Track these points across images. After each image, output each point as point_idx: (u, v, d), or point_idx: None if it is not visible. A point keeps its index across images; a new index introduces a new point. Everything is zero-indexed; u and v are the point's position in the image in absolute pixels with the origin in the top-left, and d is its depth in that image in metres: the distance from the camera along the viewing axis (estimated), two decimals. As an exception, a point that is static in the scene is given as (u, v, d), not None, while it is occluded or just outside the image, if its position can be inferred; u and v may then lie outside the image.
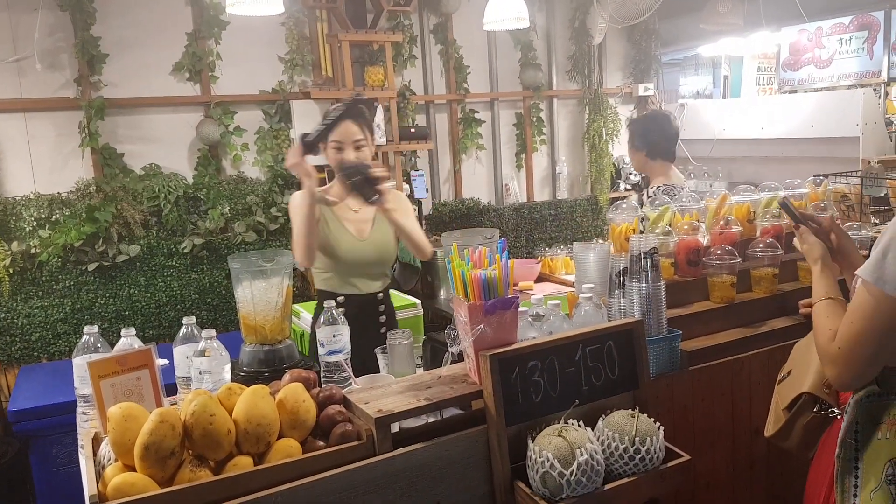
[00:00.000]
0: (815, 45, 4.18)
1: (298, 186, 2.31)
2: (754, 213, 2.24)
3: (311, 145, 2.06)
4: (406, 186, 3.94)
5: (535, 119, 4.55)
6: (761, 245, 2.05)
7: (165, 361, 1.63)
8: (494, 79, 4.42)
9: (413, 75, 4.16)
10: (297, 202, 2.14)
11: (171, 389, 1.66)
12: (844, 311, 1.36)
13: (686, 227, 1.99)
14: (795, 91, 4.30)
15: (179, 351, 1.63)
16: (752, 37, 4.22)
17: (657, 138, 2.98)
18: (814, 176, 2.59)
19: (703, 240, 2.04)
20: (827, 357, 1.30)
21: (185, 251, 3.46)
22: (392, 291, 3.60)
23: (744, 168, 4.42)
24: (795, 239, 1.61)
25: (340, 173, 2.08)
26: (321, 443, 1.34)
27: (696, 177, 4.63)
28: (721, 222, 2.08)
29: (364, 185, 1.97)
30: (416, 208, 4.11)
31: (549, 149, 4.69)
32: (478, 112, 4.38)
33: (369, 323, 2.20)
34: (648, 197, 2.90)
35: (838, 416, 1.43)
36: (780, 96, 4.47)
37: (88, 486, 1.20)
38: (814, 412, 1.51)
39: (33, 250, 3.18)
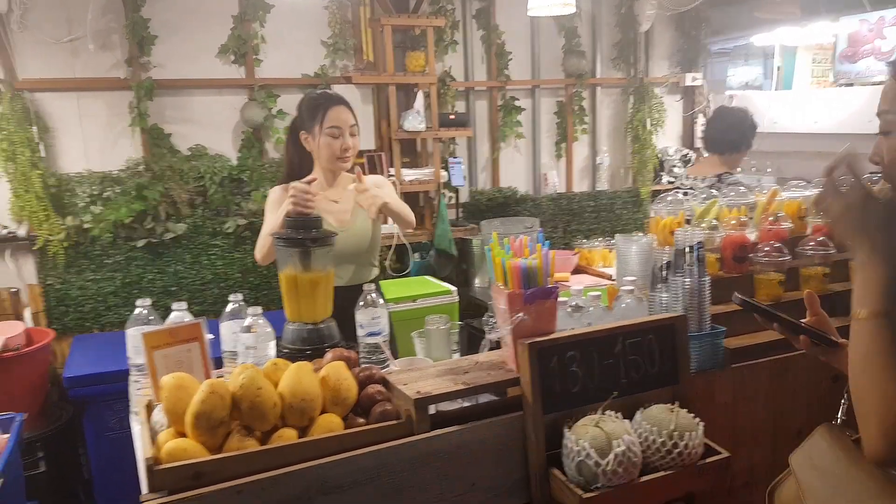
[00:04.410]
0: (876, 35, 4.02)
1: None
2: (806, 209, 2.19)
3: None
4: (443, 173, 3.95)
5: (576, 108, 4.51)
6: (812, 243, 2.01)
7: (211, 336, 1.69)
8: (536, 66, 4.38)
9: (454, 61, 4.15)
10: (276, 198, 2.15)
11: (217, 364, 1.72)
12: None
13: (733, 221, 1.96)
14: (852, 84, 4.15)
15: (226, 326, 1.68)
16: (809, 26, 4.08)
17: (705, 133, 3.19)
18: (869, 174, 2.51)
19: (751, 236, 2.01)
20: (889, 423, 0.87)
21: (229, 231, 3.55)
22: (427, 278, 3.65)
23: (794, 163, 4.30)
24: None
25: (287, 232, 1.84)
26: (361, 420, 1.37)
27: (744, 171, 4.53)
28: (770, 218, 2.05)
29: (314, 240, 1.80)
30: (454, 196, 4.13)
31: (591, 138, 4.65)
32: (518, 99, 4.36)
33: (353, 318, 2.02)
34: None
35: None
36: (835, 89, 4.33)
37: (143, 450, 1.26)
38: None
39: (86, 226, 3.29)
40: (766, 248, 1.92)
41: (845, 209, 0.94)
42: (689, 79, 4.65)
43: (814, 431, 1.07)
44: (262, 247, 2.11)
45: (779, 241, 1.95)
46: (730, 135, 3.05)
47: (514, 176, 4.45)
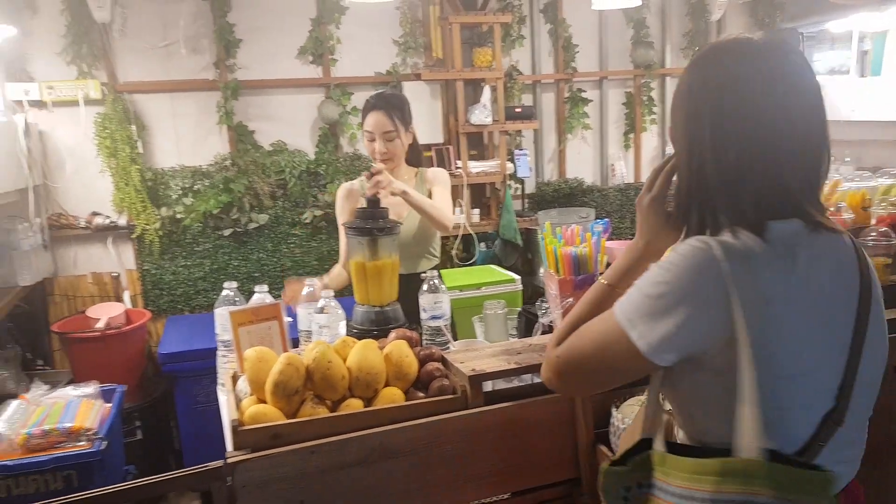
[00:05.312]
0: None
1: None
2: (870, 199, 2.15)
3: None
4: (510, 165, 4.04)
5: (645, 98, 4.48)
6: (874, 234, 1.98)
7: (290, 319, 1.86)
8: (604, 57, 4.39)
9: (521, 55, 4.22)
10: (342, 195, 2.34)
11: (294, 344, 1.89)
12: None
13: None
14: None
15: (302, 308, 1.85)
16: (889, 11, 3.90)
17: None
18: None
19: (809, 226, 2.00)
20: (548, 351, 1.08)
21: (307, 221, 3.78)
22: (492, 267, 3.76)
23: (874, 152, 4.13)
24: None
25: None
26: (421, 394, 1.51)
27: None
28: (831, 209, 2.03)
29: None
30: (519, 187, 4.21)
31: (660, 129, 4.61)
32: (585, 91, 4.38)
33: (413, 302, 1.99)
34: None
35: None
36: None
37: (229, 414, 1.44)
38: None
39: (178, 216, 3.59)
40: (822, 239, 1.92)
41: (651, 203, 1.12)
42: (763, 65, 4.52)
43: None
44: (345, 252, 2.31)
45: (837, 231, 1.94)
46: None
47: (582, 167, 4.48)
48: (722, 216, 0.97)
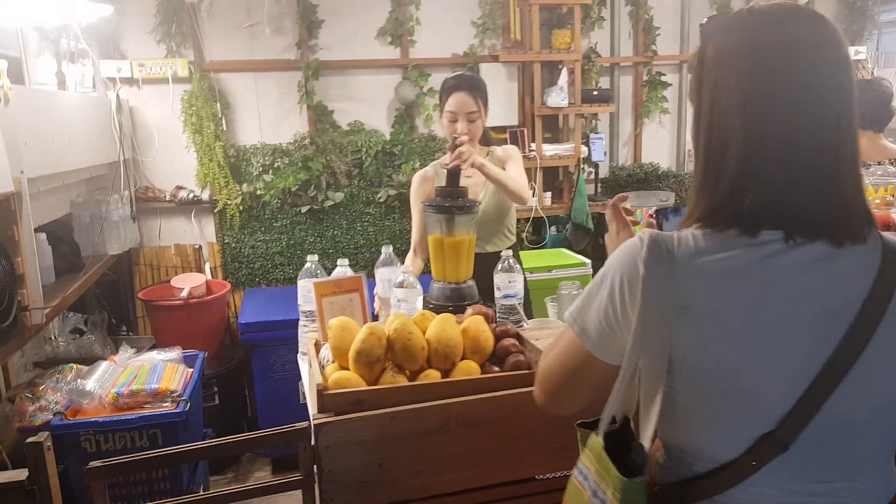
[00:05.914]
0: None
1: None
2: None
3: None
4: (584, 148, 3.98)
5: (728, 83, 4.31)
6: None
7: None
8: (685, 40, 4.25)
9: (600, 37, 4.14)
10: (417, 182, 2.37)
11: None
12: None
13: (878, 201, 1.87)
14: None
15: (380, 273, 1.91)
16: None
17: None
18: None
19: (901, 216, 1.90)
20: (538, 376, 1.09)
21: (381, 200, 3.85)
22: (562, 250, 3.74)
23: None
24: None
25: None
26: (496, 368, 1.53)
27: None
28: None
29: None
30: (592, 171, 4.15)
31: (742, 115, 4.43)
32: (665, 74, 4.25)
33: (488, 281, 2.02)
34: None
35: None
36: None
37: (312, 379, 1.50)
38: None
39: (258, 192, 3.72)
40: (917, 229, 1.82)
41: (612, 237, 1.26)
42: (852, 52, 4.26)
43: None
44: (418, 236, 2.38)
45: (934, 222, 1.84)
46: (869, 111, 2.54)
47: (658, 152, 4.37)
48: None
